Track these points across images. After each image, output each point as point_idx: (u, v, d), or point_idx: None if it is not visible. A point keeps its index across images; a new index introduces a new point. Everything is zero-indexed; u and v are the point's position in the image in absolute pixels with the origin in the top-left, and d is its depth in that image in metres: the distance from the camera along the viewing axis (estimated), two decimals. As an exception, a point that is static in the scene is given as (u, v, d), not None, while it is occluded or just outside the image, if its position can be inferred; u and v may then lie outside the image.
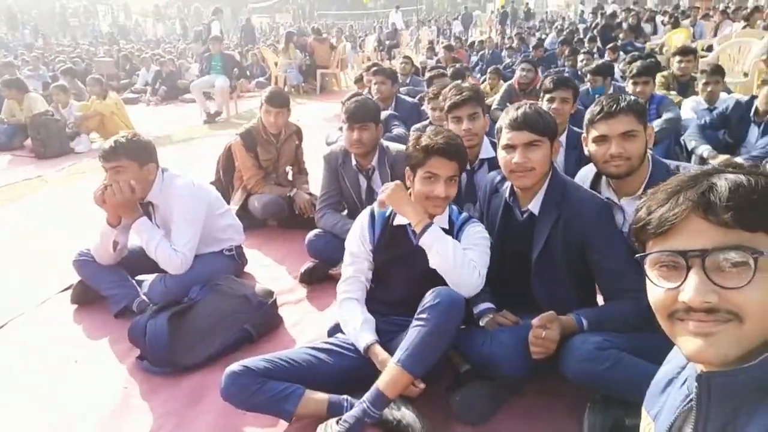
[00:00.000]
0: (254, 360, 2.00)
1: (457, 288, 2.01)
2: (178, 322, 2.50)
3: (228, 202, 3.68)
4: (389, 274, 2.27)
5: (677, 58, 5.76)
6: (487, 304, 2.20)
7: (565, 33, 13.98)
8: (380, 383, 1.86)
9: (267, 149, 4.05)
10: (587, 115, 2.14)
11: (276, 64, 12.02)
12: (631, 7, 17.62)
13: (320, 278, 3.21)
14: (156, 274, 2.96)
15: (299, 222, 3.93)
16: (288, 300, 3.04)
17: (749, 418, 0.88)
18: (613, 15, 14.92)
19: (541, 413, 2.07)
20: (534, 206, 2.14)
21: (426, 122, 4.10)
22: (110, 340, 2.72)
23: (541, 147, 2.05)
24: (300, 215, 3.93)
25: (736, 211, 0.86)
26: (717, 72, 4.81)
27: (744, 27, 9.97)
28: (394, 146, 3.28)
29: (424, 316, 1.88)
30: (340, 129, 4.78)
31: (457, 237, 2.20)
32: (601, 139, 2.07)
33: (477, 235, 2.18)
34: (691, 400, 1.00)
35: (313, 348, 2.15)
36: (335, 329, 2.30)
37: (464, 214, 2.28)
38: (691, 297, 0.87)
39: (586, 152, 2.17)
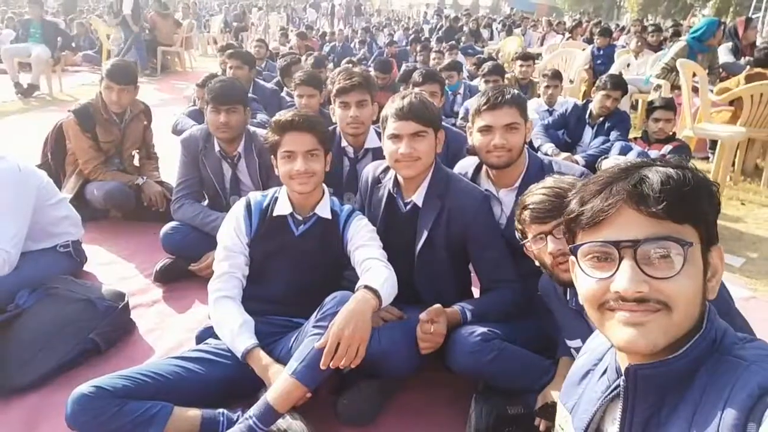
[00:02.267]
0: (108, 378, 1.70)
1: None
2: (3, 334, 2.08)
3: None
4: (268, 269, 2.09)
5: (519, 62, 6.23)
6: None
7: (412, 32, 14.54)
8: (270, 397, 1.68)
9: (108, 130, 3.55)
10: (473, 105, 2.16)
11: (108, 36, 10.78)
12: (470, 12, 18.90)
13: (178, 276, 2.88)
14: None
15: (148, 214, 3.52)
16: (141, 302, 2.68)
17: (673, 410, 0.90)
18: (456, 19, 15.84)
19: (425, 407, 2.05)
20: (418, 198, 2.12)
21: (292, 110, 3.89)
22: None
23: (427, 137, 2.03)
24: (149, 207, 3.51)
25: (668, 203, 0.87)
26: (556, 77, 5.26)
27: (567, 39, 11.16)
28: (262, 132, 3.05)
29: (325, 324, 1.73)
30: (187, 114, 4.41)
31: (343, 230, 2.11)
32: (485, 129, 2.10)
33: (366, 229, 2.10)
34: (612, 391, 1.01)
35: (181, 358, 1.90)
36: (205, 333, 2.07)
37: (348, 206, 2.19)
38: (625, 287, 0.87)
39: (469, 142, 2.20)
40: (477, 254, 2.12)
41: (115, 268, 3.04)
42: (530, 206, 1.67)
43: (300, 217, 2.10)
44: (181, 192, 3.00)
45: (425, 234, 2.09)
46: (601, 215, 0.91)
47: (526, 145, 2.19)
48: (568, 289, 1.75)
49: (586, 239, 0.95)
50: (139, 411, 1.66)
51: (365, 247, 2.03)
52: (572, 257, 1.02)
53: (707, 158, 5.50)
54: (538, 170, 2.17)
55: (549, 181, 1.73)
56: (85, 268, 2.95)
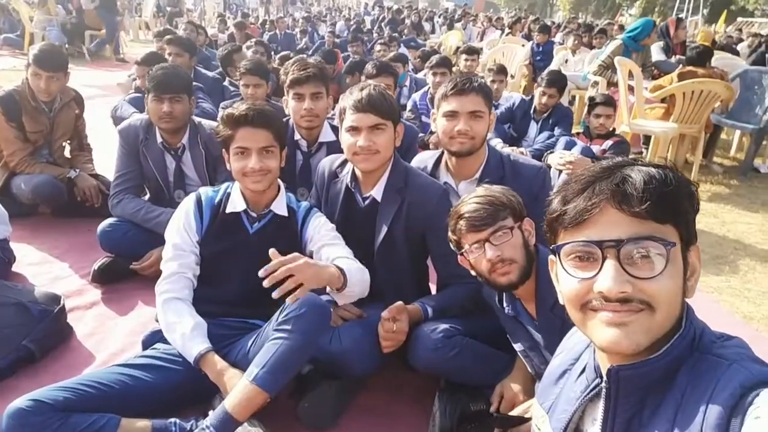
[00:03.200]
0: (47, 390, 1.56)
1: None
2: None
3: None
4: (221, 269, 1.99)
5: (464, 56, 6.24)
6: (327, 296, 2.07)
7: (353, 23, 14.45)
8: (229, 405, 1.59)
9: (36, 119, 3.29)
10: (440, 90, 2.14)
11: (32, 19, 10.08)
12: (411, 4, 18.96)
13: (119, 276, 2.71)
14: None
15: (82, 210, 3.31)
16: (77, 305, 2.49)
17: (655, 410, 0.90)
18: (399, 11, 15.86)
19: (388, 407, 2.02)
20: (377, 192, 2.08)
21: (236, 100, 3.74)
22: None
23: (386, 131, 1.99)
24: (82, 202, 3.29)
25: (651, 203, 0.87)
26: (501, 72, 5.33)
27: (507, 35, 11.38)
28: (207, 123, 2.91)
29: (287, 327, 1.65)
30: (128, 101, 4.17)
31: (301, 229, 2.05)
32: (450, 115, 2.09)
33: (326, 228, 2.04)
34: (591, 390, 1.01)
35: (127, 365, 1.78)
36: (153, 338, 1.94)
37: (305, 203, 2.12)
38: (609, 287, 0.87)
39: (432, 128, 2.18)
40: (436, 249, 2.10)
41: (48, 268, 2.83)
42: (465, 215, 1.65)
43: (254, 214, 2.01)
44: (119, 186, 2.81)
45: (385, 228, 2.05)
46: (584, 215, 0.90)
47: (496, 135, 2.20)
48: (504, 297, 1.78)
49: (569, 239, 0.93)
50: (83, 425, 1.54)
51: (332, 246, 1.97)
52: (552, 256, 1.01)
53: (641, 153, 5.75)
54: (498, 163, 2.18)
55: (480, 190, 1.74)
56: (14, 268, 2.74)
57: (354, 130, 1.97)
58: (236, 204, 1.99)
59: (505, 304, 1.78)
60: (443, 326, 1.91)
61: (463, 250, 1.70)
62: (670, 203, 0.88)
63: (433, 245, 2.09)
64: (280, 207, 2.03)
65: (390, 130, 2.01)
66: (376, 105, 1.96)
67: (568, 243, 0.93)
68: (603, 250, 0.88)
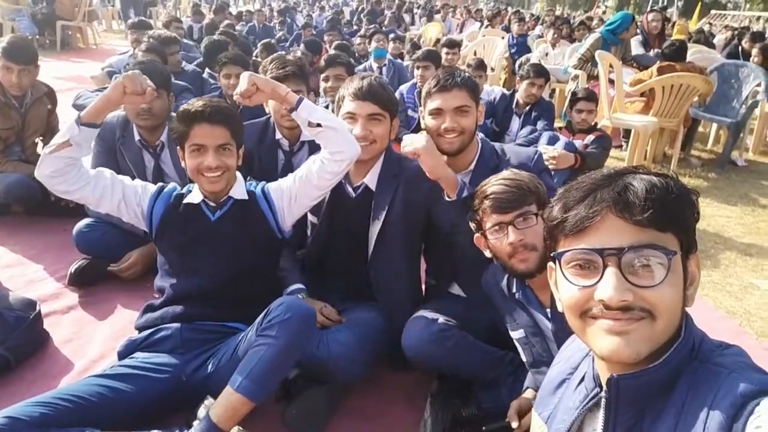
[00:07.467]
0: (22, 407, 1.50)
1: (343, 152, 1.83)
2: None
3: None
4: (189, 261, 1.90)
5: (445, 50, 6.22)
6: (297, 285, 2.06)
7: (331, 13, 14.33)
8: (214, 414, 1.55)
9: (7, 115, 3.19)
10: (425, 88, 2.11)
11: (-1, 8, 9.76)
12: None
13: (96, 278, 2.63)
14: None
15: (56, 209, 3.22)
16: (54, 309, 2.42)
17: (655, 419, 0.89)
18: (379, 2, 15.73)
19: (378, 410, 1.98)
20: (370, 180, 2.06)
21: (215, 93, 3.67)
22: None
23: (383, 122, 1.98)
24: (57, 201, 3.19)
25: (653, 211, 0.86)
26: (480, 67, 5.32)
27: (486, 27, 11.37)
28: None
29: (271, 333, 1.61)
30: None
31: (268, 204, 1.96)
32: (436, 112, 2.06)
33: (287, 180, 1.99)
34: (590, 400, 1.00)
35: (104, 376, 1.71)
36: (128, 348, 1.87)
37: (261, 183, 2.02)
38: (611, 295, 0.86)
39: (422, 125, 2.16)
40: (445, 217, 1.99)
41: (22, 271, 2.74)
42: (491, 196, 1.65)
43: (214, 204, 1.92)
44: (96, 186, 2.72)
45: (383, 214, 2.01)
46: (585, 222, 0.90)
47: (478, 130, 2.17)
48: (514, 282, 1.75)
49: (569, 246, 0.93)
50: (62, 441, 1.48)
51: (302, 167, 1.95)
52: (551, 263, 1.00)
53: (621, 146, 5.80)
54: (491, 153, 2.15)
55: (506, 173, 1.72)
56: (-15, 272, 2.64)
57: (351, 117, 1.95)
58: (195, 196, 1.92)
59: (514, 290, 1.75)
60: (442, 319, 1.91)
61: (480, 232, 1.69)
62: (671, 212, 0.88)
63: (441, 214, 1.98)
64: (239, 192, 1.93)
65: (387, 122, 1.99)
66: (376, 95, 1.96)
67: (568, 250, 0.92)
68: (604, 258, 0.88)
